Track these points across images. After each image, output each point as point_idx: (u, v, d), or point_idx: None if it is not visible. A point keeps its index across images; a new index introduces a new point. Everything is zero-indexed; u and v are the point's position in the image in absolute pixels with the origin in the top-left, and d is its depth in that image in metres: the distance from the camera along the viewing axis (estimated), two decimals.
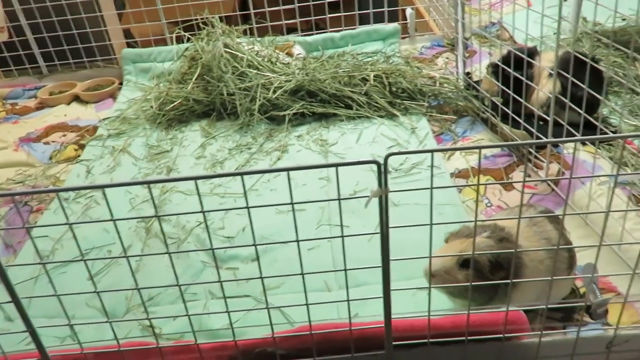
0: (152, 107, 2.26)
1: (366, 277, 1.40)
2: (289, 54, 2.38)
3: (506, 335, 0.99)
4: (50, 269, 1.52)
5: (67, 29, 2.62)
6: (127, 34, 3.01)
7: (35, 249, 0.99)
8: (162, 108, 2.23)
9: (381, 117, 2.05)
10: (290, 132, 2.05)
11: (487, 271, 1.04)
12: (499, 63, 1.81)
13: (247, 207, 0.92)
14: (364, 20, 2.71)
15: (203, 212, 0.89)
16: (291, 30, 2.73)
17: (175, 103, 2.19)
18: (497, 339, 1.01)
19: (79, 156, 2.10)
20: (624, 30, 2.27)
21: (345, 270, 0.96)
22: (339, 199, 0.90)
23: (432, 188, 0.88)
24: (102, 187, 0.91)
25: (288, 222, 1.57)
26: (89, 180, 1.92)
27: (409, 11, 2.68)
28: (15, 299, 0.95)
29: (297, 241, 0.95)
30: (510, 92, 1.70)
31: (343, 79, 2.11)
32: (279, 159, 1.91)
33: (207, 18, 2.36)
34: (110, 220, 0.94)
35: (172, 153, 2.04)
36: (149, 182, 0.93)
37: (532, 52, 1.80)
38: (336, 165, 0.87)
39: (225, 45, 2.18)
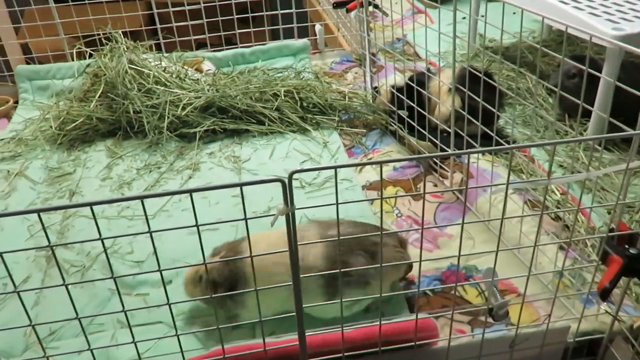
0: (51, 127, 2.13)
1: None
2: (199, 70, 2.34)
3: (417, 342, 1.02)
4: None
5: None
6: (26, 49, 2.82)
7: None
8: (63, 128, 2.10)
9: (293, 132, 2.06)
10: (202, 149, 2.01)
11: (203, 288, 1.21)
12: (393, 90, 1.90)
13: (150, 232, 0.88)
14: (274, 36, 2.72)
15: (101, 239, 0.85)
16: (200, 45, 2.69)
17: (77, 122, 2.07)
18: (409, 347, 1.04)
19: None
20: (515, 45, 2.45)
21: (256, 290, 0.94)
22: (245, 219, 0.89)
23: (337, 204, 0.89)
24: None
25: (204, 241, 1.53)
26: None
27: (317, 27, 2.73)
28: None
29: (204, 263, 0.92)
30: (416, 107, 1.77)
31: (254, 95, 2.10)
32: (190, 177, 1.86)
33: (110, 33, 2.27)
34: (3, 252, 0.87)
35: (75, 175, 1.92)
36: (39, 211, 0.86)
37: (423, 76, 1.89)
38: (241, 185, 0.86)
39: (130, 62, 2.10)
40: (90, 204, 0.80)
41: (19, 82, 2.47)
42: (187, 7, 2.54)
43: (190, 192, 0.83)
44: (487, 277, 1.11)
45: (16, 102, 2.46)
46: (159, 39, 2.55)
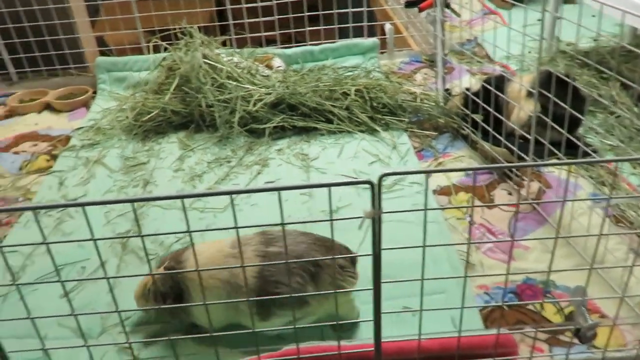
0: (127, 117, 2.21)
1: None
2: (269, 67, 2.36)
3: (496, 358, 0.98)
4: (21, 285, 1.45)
5: (39, 35, 2.54)
6: (101, 41, 2.94)
7: (6, 265, 0.94)
8: (138, 119, 2.18)
9: (362, 132, 2.05)
10: (271, 145, 2.03)
11: (152, 299, 1.20)
12: (467, 93, 1.85)
13: (236, 227, 0.89)
14: (342, 35, 2.71)
15: (190, 232, 0.86)
16: (270, 42, 2.71)
17: (152, 114, 2.14)
18: None
19: (51, 167, 2.03)
20: (596, 50, 2.33)
21: (335, 292, 0.94)
22: (330, 220, 0.88)
23: (425, 209, 0.87)
24: (81, 204, 0.87)
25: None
26: (61, 193, 1.85)
27: (387, 26, 2.69)
28: None
29: (286, 262, 0.92)
30: (492, 111, 1.71)
31: (324, 93, 2.10)
32: (259, 173, 1.88)
33: (185, 28, 2.32)
34: (90, 240, 0.90)
35: (148, 165, 1.99)
36: (128, 201, 0.89)
37: (501, 80, 1.82)
38: (329, 185, 0.85)
39: (204, 56, 2.14)
40: (176, 197, 0.81)
41: (98, 73, 2.57)
42: (259, 4, 2.56)
43: (279, 189, 0.83)
44: (576, 296, 1.05)
45: (94, 92, 2.56)
46: (227, 35, 2.58)
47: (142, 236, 0.90)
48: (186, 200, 1.77)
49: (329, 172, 1.85)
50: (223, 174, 1.89)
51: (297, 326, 1.02)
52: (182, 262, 1.18)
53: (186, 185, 1.84)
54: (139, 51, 2.67)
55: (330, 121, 2.07)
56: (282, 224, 0.89)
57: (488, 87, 1.74)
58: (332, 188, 1.71)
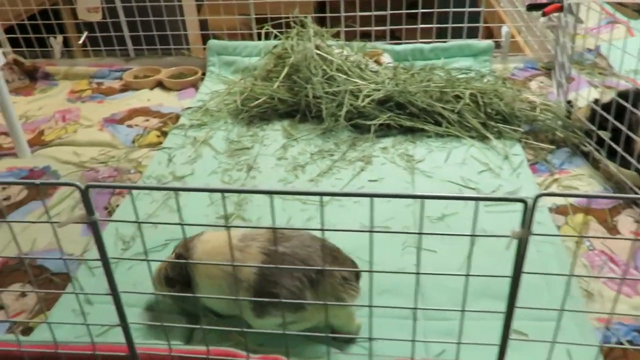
0: (235, 101, 2.25)
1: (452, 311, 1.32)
2: (378, 62, 2.31)
3: None
4: (132, 255, 1.51)
5: (158, 14, 2.65)
6: (206, 25, 3.02)
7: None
8: (246, 104, 2.21)
9: (472, 137, 1.96)
10: (375, 143, 1.99)
11: (165, 284, 1.22)
12: (595, 106, 1.71)
13: (322, 230, 0.85)
14: (440, 35, 2.60)
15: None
16: (378, 37, 2.66)
17: (259, 100, 2.16)
18: None
19: (161, 143, 2.11)
20: None
21: (462, 310, 0.88)
22: (472, 235, 0.83)
23: (582, 237, 0.79)
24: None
25: (374, 238, 1.51)
26: (170, 169, 1.92)
27: (504, 29, 2.56)
28: (114, 292, 0.93)
29: (418, 274, 0.88)
30: (624, 129, 1.58)
31: (434, 94, 2.03)
32: (362, 170, 1.85)
33: (298, 17, 2.32)
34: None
35: (252, 150, 2.01)
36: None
37: (638, 96, 1.66)
38: (476, 199, 0.80)
39: (317, 47, 2.13)
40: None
41: (209, 56, 2.64)
42: None
43: (423, 197, 0.78)
44: None
45: (203, 73, 2.64)
46: (333, 27, 2.56)
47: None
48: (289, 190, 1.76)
49: (435, 177, 1.78)
50: (325, 167, 1.87)
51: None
52: (190, 250, 1.20)
53: (288, 175, 1.85)
54: (235, 37, 2.72)
55: (438, 123, 2.00)
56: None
57: (622, 102, 1.60)
58: (438, 191, 1.68)
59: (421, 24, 2.54)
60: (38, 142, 2.18)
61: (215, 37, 2.78)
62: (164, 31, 2.67)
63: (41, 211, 1.76)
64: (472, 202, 1.60)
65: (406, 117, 2.02)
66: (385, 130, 2.04)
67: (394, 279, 1.39)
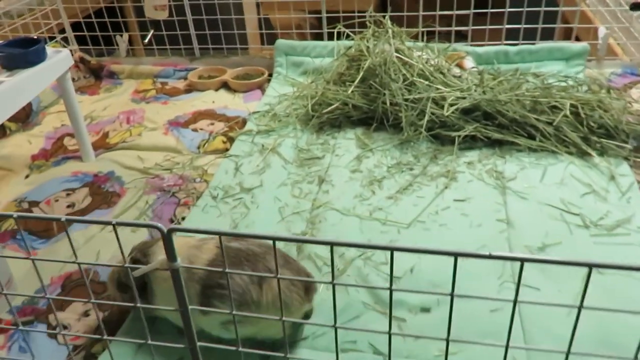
0: (304, 106, 2.12)
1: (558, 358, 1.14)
2: (460, 66, 2.12)
3: None
4: None
5: (225, 13, 2.55)
6: (268, 24, 2.90)
7: None
8: (316, 109, 2.07)
9: (570, 154, 1.75)
10: (459, 156, 1.81)
11: (117, 289, 1.20)
12: None
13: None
14: (512, 36, 2.37)
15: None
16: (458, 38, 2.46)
17: (332, 106, 2.02)
18: None
19: (227, 149, 2.00)
20: None
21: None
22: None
23: None
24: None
25: (464, 270, 1.34)
26: (237, 179, 1.80)
27: (602, 30, 2.31)
28: (192, 345, 0.80)
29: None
30: None
31: (526, 103, 1.83)
32: (446, 187, 1.67)
33: (374, 16, 2.16)
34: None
35: (323, 161, 1.87)
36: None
37: None
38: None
39: (396, 50, 1.97)
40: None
41: (276, 56, 2.52)
42: None
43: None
44: None
45: (270, 75, 2.52)
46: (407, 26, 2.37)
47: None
48: (365, 207, 1.62)
49: (530, 199, 1.59)
50: (405, 183, 1.71)
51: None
52: (149, 256, 1.16)
53: (364, 190, 1.69)
54: (302, 36, 2.58)
55: (531, 137, 1.80)
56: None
57: None
58: (536, 218, 1.49)
59: (503, 24, 2.32)
60: (103, 145, 2.12)
61: (280, 36, 2.66)
62: (230, 30, 2.57)
63: (108, 220, 1.68)
64: (578, 230, 1.41)
65: (495, 128, 1.83)
66: (470, 142, 1.85)
67: (491, 320, 1.22)
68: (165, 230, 0.69)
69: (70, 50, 2.61)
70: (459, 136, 1.82)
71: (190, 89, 2.53)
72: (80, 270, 0.99)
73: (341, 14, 2.36)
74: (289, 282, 1.09)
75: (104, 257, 1.54)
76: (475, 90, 1.87)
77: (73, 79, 2.65)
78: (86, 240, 1.61)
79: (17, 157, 2.09)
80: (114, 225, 0.74)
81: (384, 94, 1.91)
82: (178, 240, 1.22)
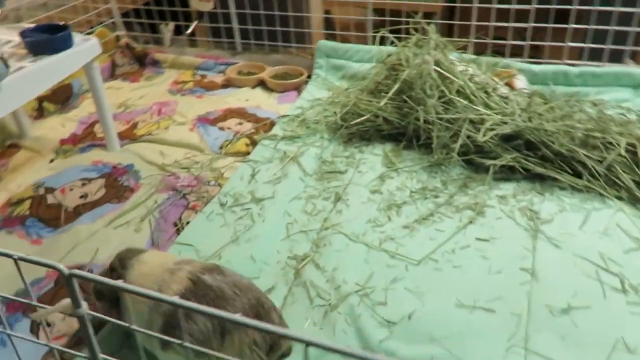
0: (335, 113, 2.00)
1: None
2: (510, 86, 1.93)
3: None
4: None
5: (269, 8, 2.46)
6: (328, 25, 2.78)
7: None
8: (347, 119, 1.95)
9: (620, 199, 1.53)
10: (491, 187, 1.63)
11: (95, 296, 1.13)
12: None
13: None
14: (595, 57, 2.13)
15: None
16: (513, 53, 2.26)
17: (362, 118, 1.89)
18: None
19: (248, 153, 1.92)
20: None
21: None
22: None
23: None
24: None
25: (471, 324, 1.19)
26: (250, 187, 1.72)
27: None
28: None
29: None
30: None
31: (577, 136, 1.62)
32: (470, 222, 1.51)
33: (420, 23, 2.00)
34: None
35: (345, 176, 1.75)
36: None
37: None
38: None
39: (437, 63, 1.81)
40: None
41: (317, 57, 2.42)
42: (495, 6, 2.12)
43: None
44: None
45: (309, 76, 2.41)
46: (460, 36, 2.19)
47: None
48: (376, 234, 1.48)
49: (564, 248, 1.40)
50: (426, 211, 1.56)
51: None
52: (126, 268, 1.11)
53: (380, 215, 1.56)
54: (363, 40, 2.44)
55: (578, 175, 1.60)
56: None
57: None
58: (565, 273, 1.31)
59: (571, 40, 2.09)
60: (129, 136, 2.09)
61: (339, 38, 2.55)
62: (273, 26, 2.48)
63: (114, 216, 1.65)
64: (613, 294, 1.22)
65: (537, 160, 1.64)
66: (506, 173, 1.67)
67: None
68: (66, 273, 0.61)
69: (117, 36, 2.62)
70: (495, 165, 1.64)
71: (227, 84, 2.47)
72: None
73: (402, 18, 2.21)
74: (251, 341, 0.99)
75: (102, 255, 1.50)
76: (520, 115, 1.68)
77: (117, 65, 2.67)
78: (89, 235, 1.58)
79: (47, 140, 2.10)
80: (15, 261, 0.66)
81: (417, 110, 1.75)
82: (156, 256, 1.15)
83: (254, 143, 1.97)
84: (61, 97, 2.35)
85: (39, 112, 2.28)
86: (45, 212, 1.69)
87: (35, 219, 1.66)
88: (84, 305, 0.63)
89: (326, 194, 1.68)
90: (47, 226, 1.64)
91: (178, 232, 1.57)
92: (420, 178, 1.70)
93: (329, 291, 1.31)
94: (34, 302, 0.70)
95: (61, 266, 0.61)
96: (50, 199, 1.74)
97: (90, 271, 1.45)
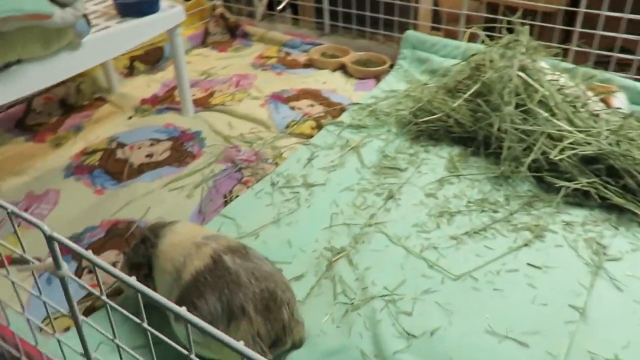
0: (408, 108, 1.92)
1: None
2: (605, 103, 1.74)
3: None
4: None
5: None
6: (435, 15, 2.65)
7: None
8: (418, 115, 1.86)
9: None
10: (559, 211, 1.49)
11: (127, 271, 1.11)
12: None
13: None
14: None
15: None
16: (619, 66, 2.03)
17: (433, 116, 1.79)
18: None
19: (312, 136, 1.90)
20: None
21: None
22: None
23: None
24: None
25: (498, 355, 1.10)
26: (305, 171, 1.70)
27: None
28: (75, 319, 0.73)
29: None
30: None
31: None
32: (525, 244, 1.39)
33: (514, 22, 1.85)
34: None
35: (404, 174, 1.67)
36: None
37: None
38: None
39: (522, 68, 1.66)
40: None
41: (403, 47, 2.33)
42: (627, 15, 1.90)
43: None
44: None
45: (391, 65, 2.33)
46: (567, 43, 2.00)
47: None
48: (420, 244, 1.41)
49: (626, 292, 1.24)
50: (479, 225, 1.45)
51: None
52: (158, 237, 1.13)
53: (429, 221, 1.48)
54: (473, 37, 2.31)
55: None
56: None
57: None
58: (618, 320, 1.19)
59: None
60: (204, 104, 2.15)
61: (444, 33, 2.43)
62: (363, 10, 2.42)
63: (171, 179, 1.71)
64: None
65: (617, 189, 1.47)
66: (579, 198, 1.51)
67: None
68: (47, 234, 0.62)
69: (214, 5, 2.69)
70: (568, 187, 1.49)
71: (309, 64, 2.45)
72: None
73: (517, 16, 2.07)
74: (255, 332, 0.98)
75: (152, 215, 1.56)
76: (607, 137, 1.51)
77: (210, 33, 2.74)
78: (145, 194, 1.64)
79: (131, 98, 2.21)
80: (8, 214, 0.68)
81: (491, 117, 1.63)
82: (188, 228, 1.17)
83: (319, 127, 1.94)
84: (152, 58, 2.46)
85: (130, 70, 2.40)
86: (113, 166, 1.78)
87: (102, 171, 1.75)
88: (64, 266, 0.64)
89: (380, 189, 1.62)
90: (111, 179, 1.72)
91: (226, 204, 1.59)
92: (482, 188, 1.59)
93: (356, 290, 1.27)
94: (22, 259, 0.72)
95: (45, 227, 0.62)
96: (119, 154, 1.83)
97: (139, 227, 1.51)
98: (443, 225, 1.46)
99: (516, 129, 1.59)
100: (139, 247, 1.16)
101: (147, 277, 1.13)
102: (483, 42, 1.92)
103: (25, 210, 1.58)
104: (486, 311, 1.20)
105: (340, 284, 1.29)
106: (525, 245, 1.38)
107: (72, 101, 2.15)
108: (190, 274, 1.02)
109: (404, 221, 1.48)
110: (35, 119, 2.04)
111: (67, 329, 1.21)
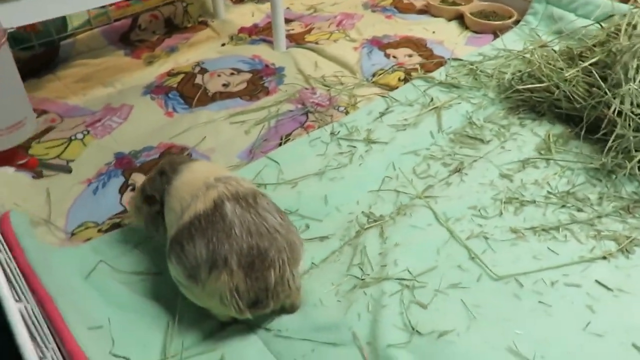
0: (514, 73, 1.63)
1: None
2: None
3: None
4: None
5: None
6: None
7: None
8: (523, 81, 1.57)
9: None
10: None
11: (140, 201, 1.12)
12: None
13: None
14: None
15: None
16: None
17: (538, 85, 1.50)
18: None
19: (396, 88, 1.71)
20: None
21: None
22: None
23: None
24: None
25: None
26: (372, 126, 1.53)
27: None
28: None
29: None
30: None
31: None
32: (604, 257, 1.11)
33: None
34: None
35: (484, 147, 1.44)
36: None
37: None
38: None
39: None
40: None
41: (535, 1, 1.97)
42: None
43: None
44: None
45: (517, 22, 2.00)
46: None
47: None
48: (469, 229, 1.20)
49: None
50: (553, 222, 1.19)
51: None
52: (175, 173, 1.08)
53: (492, 205, 1.25)
54: None
55: None
56: None
57: None
58: None
59: None
60: (298, 39, 2.04)
61: None
62: None
63: (237, 111, 1.65)
64: None
65: None
66: None
67: None
68: None
69: None
70: None
71: (425, 10, 2.21)
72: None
73: None
74: (234, 286, 0.91)
75: (205, 145, 1.52)
76: None
77: None
78: (206, 122, 1.61)
79: (232, 25, 2.18)
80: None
81: (606, 94, 1.31)
82: (205, 167, 1.11)
83: (407, 80, 1.74)
84: None
85: None
86: (189, 90, 1.77)
87: (177, 94, 1.75)
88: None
89: (450, 159, 1.41)
90: (184, 103, 1.72)
91: (279, 146, 1.50)
92: (573, 180, 1.30)
93: (374, 266, 1.12)
94: None
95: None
96: (198, 79, 1.81)
97: (190, 155, 1.49)
98: (507, 214, 1.23)
99: (636, 114, 1.26)
100: (155, 179, 1.12)
101: (159, 214, 1.11)
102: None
103: (98, 121, 1.64)
104: (519, 326, 0.99)
105: (361, 255, 1.14)
106: (604, 258, 1.11)
107: (177, 21, 2.17)
108: (189, 216, 0.97)
109: (461, 200, 1.27)
110: (138, 35, 2.09)
111: (88, 239, 1.24)
